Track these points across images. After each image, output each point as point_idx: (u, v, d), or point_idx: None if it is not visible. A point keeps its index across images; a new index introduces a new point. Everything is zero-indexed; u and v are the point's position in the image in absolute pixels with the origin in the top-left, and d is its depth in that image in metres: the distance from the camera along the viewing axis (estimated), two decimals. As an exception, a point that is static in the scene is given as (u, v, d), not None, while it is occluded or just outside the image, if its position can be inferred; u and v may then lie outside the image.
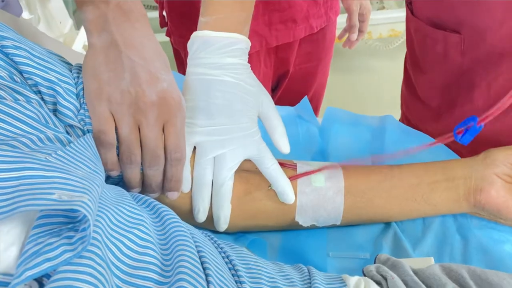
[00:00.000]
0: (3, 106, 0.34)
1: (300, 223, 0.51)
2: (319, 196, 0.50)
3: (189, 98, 0.49)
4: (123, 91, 0.40)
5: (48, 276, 0.27)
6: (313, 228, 0.52)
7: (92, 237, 0.28)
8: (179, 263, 0.31)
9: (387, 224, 0.53)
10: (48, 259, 0.26)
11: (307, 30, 0.87)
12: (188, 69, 0.50)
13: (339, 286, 0.37)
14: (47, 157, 0.32)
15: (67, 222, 0.29)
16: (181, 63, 0.96)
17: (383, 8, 2.02)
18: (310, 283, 0.37)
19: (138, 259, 0.31)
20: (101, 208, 0.32)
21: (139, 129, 0.42)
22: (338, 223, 0.51)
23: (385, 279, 0.36)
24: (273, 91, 1.01)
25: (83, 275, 0.27)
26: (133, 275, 0.30)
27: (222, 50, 0.50)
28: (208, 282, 0.32)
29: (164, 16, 0.90)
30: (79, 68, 0.44)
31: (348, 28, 1.05)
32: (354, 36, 1.04)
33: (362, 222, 0.53)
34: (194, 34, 0.51)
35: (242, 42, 0.52)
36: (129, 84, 0.40)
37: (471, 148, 0.57)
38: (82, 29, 1.38)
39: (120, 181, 0.47)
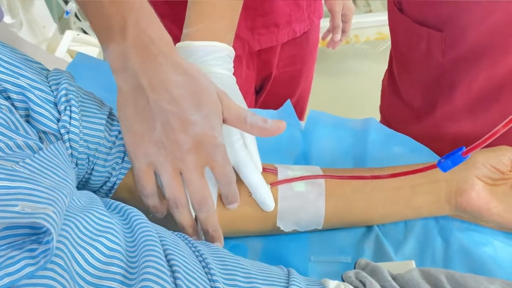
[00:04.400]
0: None
1: (282, 228, 0.50)
2: (300, 200, 0.50)
3: None
4: (157, 143, 0.40)
5: None
6: (295, 232, 0.51)
7: (57, 248, 0.27)
8: (144, 269, 0.31)
9: (369, 228, 0.53)
10: (9, 274, 0.25)
11: (290, 34, 0.87)
12: None
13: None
14: (13, 166, 0.31)
15: (32, 233, 0.28)
16: None
17: (370, 11, 2.03)
18: (288, 282, 0.36)
19: (104, 269, 0.31)
20: (69, 217, 0.31)
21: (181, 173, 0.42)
22: (320, 227, 0.51)
23: (364, 285, 0.36)
24: (257, 93, 1.00)
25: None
26: (97, 285, 0.30)
27: (204, 58, 0.50)
28: (176, 285, 0.31)
29: None
30: (57, 74, 0.43)
31: (332, 29, 1.05)
32: (338, 36, 1.05)
33: (344, 226, 0.53)
34: (178, 46, 0.51)
35: (224, 50, 0.52)
36: (161, 134, 0.40)
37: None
38: (67, 33, 1.37)
39: (96, 191, 0.46)
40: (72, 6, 1.30)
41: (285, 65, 0.95)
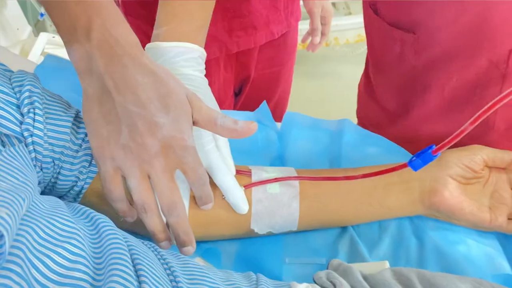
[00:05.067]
0: None
1: (256, 231, 0.49)
2: (274, 202, 0.49)
3: None
4: (124, 147, 0.39)
5: None
6: (269, 235, 0.51)
7: (13, 254, 0.26)
8: (110, 277, 0.30)
9: (344, 228, 0.52)
10: None
11: (268, 36, 0.87)
12: None
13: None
14: None
15: None
16: None
17: (350, 13, 2.05)
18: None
19: (67, 275, 0.30)
20: (28, 222, 0.30)
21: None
22: (295, 229, 0.50)
23: (334, 285, 0.35)
24: (236, 96, 1.00)
25: None
26: None
27: (174, 59, 0.49)
28: None
29: None
30: (20, 75, 0.42)
31: (311, 31, 1.05)
32: (317, 39, 1.05)
33: (319, 227, 0.52)
34: (147, 46, 0.50)
35: (195, 51, 0.51)
36: (128, 138, 0.39)
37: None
38: (41, 35, 1.34)
39: (64, 195, 0.45)
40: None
41: (264, 67, 0.95)
